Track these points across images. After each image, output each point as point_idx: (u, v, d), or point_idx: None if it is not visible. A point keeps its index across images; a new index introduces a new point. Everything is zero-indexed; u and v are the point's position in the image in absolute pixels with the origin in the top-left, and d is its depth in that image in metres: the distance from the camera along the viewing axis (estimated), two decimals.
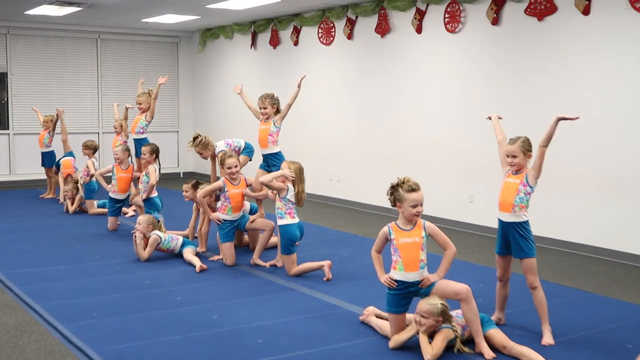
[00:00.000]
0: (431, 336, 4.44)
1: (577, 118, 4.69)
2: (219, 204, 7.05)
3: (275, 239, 7.26)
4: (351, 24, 10.67)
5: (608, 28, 7.27)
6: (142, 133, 9.54)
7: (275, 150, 7.46)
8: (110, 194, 8.76)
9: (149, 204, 8.24)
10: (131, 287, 6.00)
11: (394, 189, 4.54)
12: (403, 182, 4.51)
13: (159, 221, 7.34)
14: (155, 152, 8.40)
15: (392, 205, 4.58)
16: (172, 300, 5.62)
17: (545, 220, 7.86)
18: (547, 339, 4.65)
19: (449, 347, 4.42)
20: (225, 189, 6.84)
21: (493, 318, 4.93)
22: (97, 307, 5.39)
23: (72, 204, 10.04)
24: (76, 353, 4.44)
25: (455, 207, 9.15)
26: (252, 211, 7.61)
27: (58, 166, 11.06)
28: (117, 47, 14.26)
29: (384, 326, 4.77)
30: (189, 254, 7.00)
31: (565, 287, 6.14)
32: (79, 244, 7.87)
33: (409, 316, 4.65)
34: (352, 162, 10.92)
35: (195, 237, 7.73)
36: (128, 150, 8.93)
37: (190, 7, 11.06)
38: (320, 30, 11.32)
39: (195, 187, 7.51)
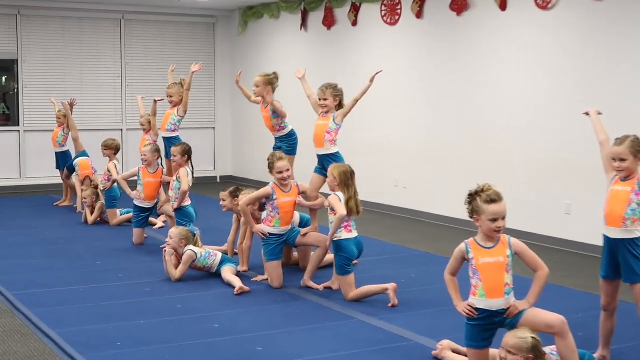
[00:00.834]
0: None
1: None
2: (264, 214, 7.09)
3: (330, 257, 7.26)
4: None
5: None
6: (173, 131, 9.60)
7: (332, 150, 7.45)
8: (136, 202, 8.88)
9: (180, 214, 8.33)
10: (160, 313, 6.07)
11: (472, 197, 4.52)
12: (482, 191, 4.48)
13: (194, 234, 7.41)
14: (187, 153, 8.46)
15: (470, 217, 4.56)
16: (208, 328, 5.66)
17: None
18: None
19: None
20: (274, 197, 6.87)
21: (596, 356, 4.86)
22: (121, 335, 5.46)
23: (92, 213, 10.19)
24: None
25: (548, 221, 9.01)
26: (303, 223, 7.63)
27: (71, 168, 11.24)
28: (144, 29, 14.48)
29: None
30: (228, 273, 7.04)
31: None
32: (100, 260, 8.00)
33: (492, 352, 4.61)
34: (420, 164, 10.86)
35: (236, 254, 7.78)
36: (158, 151, 9.04)
37: None
38: (383, 8, 11.30)
39: (234, 194, 7.56)
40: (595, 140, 5.02)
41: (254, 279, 7.13)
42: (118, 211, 10.13)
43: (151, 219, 9.40)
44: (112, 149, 10.27)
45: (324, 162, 7.48)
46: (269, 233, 6.91)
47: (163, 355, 5.04)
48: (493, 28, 9.66)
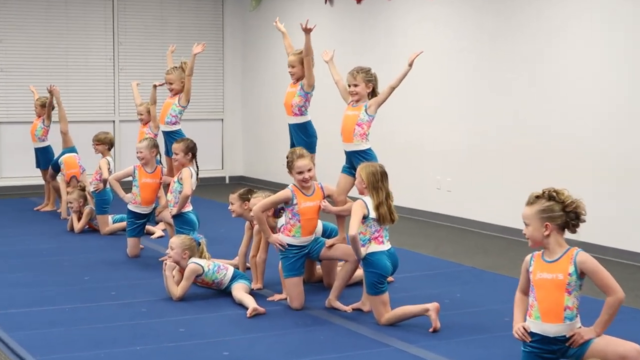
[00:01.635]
0: None
1: None
2: (280, 221, 7.08)
3: (360, 273, 7.25)
4: None
5: None
6: (174, 123, 9.61)
7: (363, 146, 7.39)
8: (130, 207, 8.90)
9: (180, 222, 8.30)
10: (160, 337, 6.07)
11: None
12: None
13: (199, 244, 7.40)
14: (191, 150, 8.44)
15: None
16: (216, 356, 5.67)
17: None
18: None
19: None
20: (294, 201, 6.85)
21: None
22: None
23: (79, 219, 10.21)
24: None
25: (623, 233, 8.93)
26: (327, 233, 7.61)
27: (56, 167, 11.28)
28: (140, 5, 14.55)
29: None
30: (240, 291, 7.04)
31: None
32: (89, 275, 8.02)
33: None
34: (467, 164, 10.84)
35: (248, 269, 7.78)
36: (156, 146, 9.05)
37: None
38: None
39: (244, 197, 7.56)
40: None
41: (270, 299, 7.12)
42: (110, 217, 10.14)
43: (148, 227, 9.41)
44: (105, 143, 10.30)
45: (353, 160, 7.43)
46: (287, 244, 6.89)
47: None
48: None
